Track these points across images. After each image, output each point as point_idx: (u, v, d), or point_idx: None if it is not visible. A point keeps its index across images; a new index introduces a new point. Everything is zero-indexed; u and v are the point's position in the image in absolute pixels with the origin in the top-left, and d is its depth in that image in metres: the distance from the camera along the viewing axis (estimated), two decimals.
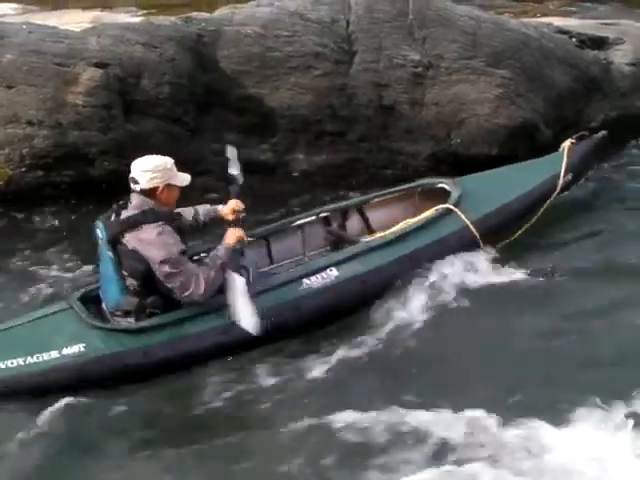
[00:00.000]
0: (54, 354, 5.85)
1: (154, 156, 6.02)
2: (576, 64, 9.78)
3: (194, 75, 8.84)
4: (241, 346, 6.02)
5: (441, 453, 5.01)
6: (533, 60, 9.40)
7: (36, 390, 5.73)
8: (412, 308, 6.41)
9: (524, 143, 8.95)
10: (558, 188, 7.59)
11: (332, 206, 7.54)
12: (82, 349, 5.87)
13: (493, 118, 8.95)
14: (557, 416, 5.17)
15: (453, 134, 8.98)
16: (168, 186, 5.94)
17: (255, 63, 8.95)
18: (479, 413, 5.24)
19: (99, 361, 5.85)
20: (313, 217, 7.29)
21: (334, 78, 8.97)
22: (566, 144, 7.85)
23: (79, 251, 7.72)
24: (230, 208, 6.34)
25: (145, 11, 13.91)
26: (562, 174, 7.63)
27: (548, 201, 7.52)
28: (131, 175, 5.94)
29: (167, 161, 5.98)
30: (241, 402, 5.70)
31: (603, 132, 8.28)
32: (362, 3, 9.39)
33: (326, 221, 7.37)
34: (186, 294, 5.86)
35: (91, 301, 6.25)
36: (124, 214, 5.94)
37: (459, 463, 4.90)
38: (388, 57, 9.05)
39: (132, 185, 5.94)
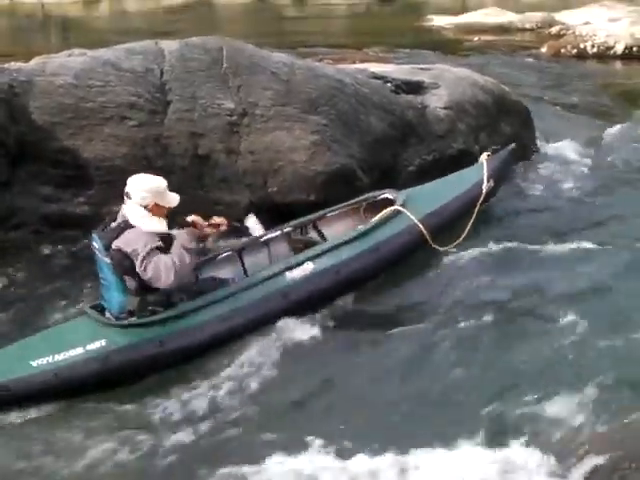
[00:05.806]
0: (79, 350, 6.55)
1: (149, 177, 6.91)
2: (392, 109, 9.89)
3: (5, 127, 8.63)
4: (244, 329, 6.91)
5: None
6: (348, 106, 9.48)
7: (66, 384, 6.45)
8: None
9: (342, 188, 8.96)
10: (483, 193, 8.71)
11: (292, 222, 8.20)
12: (104, 344, 6.60)
13: (309, 165, 8.96)
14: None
15: (270, 182, 8.94)
16: (156, 205, 6.75)
17: (68, 114, 8.77)
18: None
19: (121, 352, 6.59)
20: (278, 232, 8.08)
21: (149, 128, 8.86)
22: (484, 157, 9.06)
23: None
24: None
25: None
26: (485, 181, 8.76)
27: (478, 205, 8.62)
28: (126, 189, 6.74)
29: (160, 185, 6.83)
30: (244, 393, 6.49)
31: (513, 145, 9.54)
32: (175, 52, 9.34)
33: (288, 236, 8.15)
34: (158, 284, 6.58)
35: (97, 311, 6.94)
36: (113, 224, 6.77)
37: None
38: (203, 106, 8.99)
39: (125, 198, 6.74)
